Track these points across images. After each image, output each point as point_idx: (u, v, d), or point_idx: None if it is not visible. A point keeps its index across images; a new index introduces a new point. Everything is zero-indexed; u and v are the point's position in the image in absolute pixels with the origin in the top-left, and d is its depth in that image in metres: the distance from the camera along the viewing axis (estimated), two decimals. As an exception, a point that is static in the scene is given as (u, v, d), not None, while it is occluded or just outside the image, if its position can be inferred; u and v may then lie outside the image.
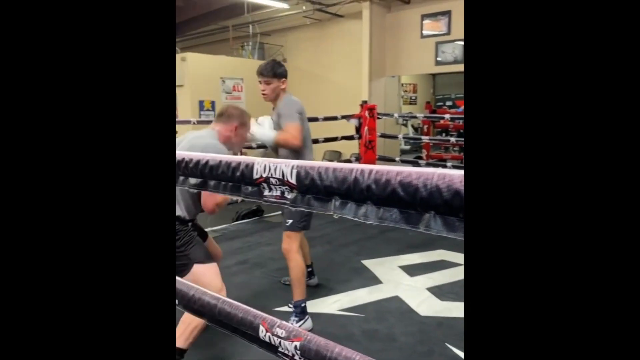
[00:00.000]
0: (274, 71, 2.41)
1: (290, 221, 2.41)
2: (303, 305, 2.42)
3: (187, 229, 2.01)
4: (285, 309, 2.63)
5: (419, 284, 3.10)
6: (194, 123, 4.68)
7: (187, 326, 1.86)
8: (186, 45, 9.20)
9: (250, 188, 0.63)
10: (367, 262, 3.54)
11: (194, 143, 1.98)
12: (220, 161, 0.66)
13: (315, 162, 0.56)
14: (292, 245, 2.40)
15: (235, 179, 0.64)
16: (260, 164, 0.61)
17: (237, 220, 4.96)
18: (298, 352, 0.64)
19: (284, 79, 2.46)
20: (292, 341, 0.64)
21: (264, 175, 0.59)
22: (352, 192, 0.50)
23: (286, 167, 0.57)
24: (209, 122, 3.06)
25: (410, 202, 0.45)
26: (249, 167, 0.62)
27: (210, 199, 1.93)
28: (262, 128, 2.37)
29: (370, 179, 0.48)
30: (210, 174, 0.68)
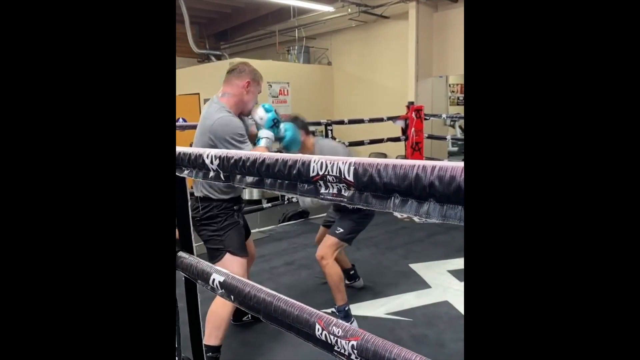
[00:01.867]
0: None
1: (342, 230, 2.39)
2: (346, 309, 2.42)
3: (230, 213, 1.99)
4: (329, 312, 2.63)
5: (470, 290, 3.01)
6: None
7: (212, 325, 1.87)
8: (235, 51, 9.46)
9: (306, 186, 0.63)
10: (414, 266, 3.47)
11: (205, 124, 1.91)
12: (277, 159, 0.67)
13: (374, 159, 0.55)
14: (329, 254, 2.38)
15: (291, 176, 0.65)
16: (317, 162, 0.61)
17: (283, 221, 5.02)
18: (355, 351, 0.63)
19: (302, 131, 2.31)
20: (349, 340, 0.64)
21: (321, 173, 0.59)
22: (414, 189, 0.49)
23: (343, 164, 0.56)
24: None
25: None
26: (306, 165, 0.62)
27: None
28: None
29: (433, 176, 0.47)
30: (267, 172, 0.69)
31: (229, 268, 1.87)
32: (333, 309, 2.50)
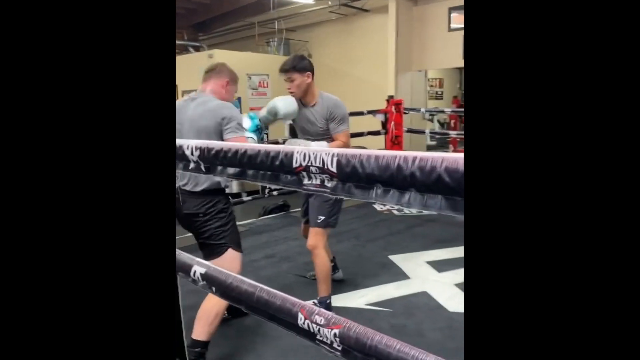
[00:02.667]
0: (295, 65, 2.31)
1: (322, 218, 2.40)
2: (328, 301, 2.44)
3: (229, 205, 2.01)
4: (311, 303, 2.65)
5: (447, 280, 3.07)
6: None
7: (205, 320, 1.87)
8: (213, 42, 9.33)
9: (289, 177, 0.63)
10: (394, 258, 3.52)
11: (204, 110, 1.91)
12: (259, 150, 0.67)
13: (357, 150, 0.56)
14: (319, 242, 2.40)
15: (274, 167, 0.65)
16: (300, 153, 0.61)
17: (264, 215, 5.01)
18: (337, 339, 0.64)
19: (308, 73, 2.35)
20: (332, 329, 0.65)
21: (304, 164, 0.60)
22: (395, 179, 0.50)
23: (326, 155, 0.57)
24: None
25: (456, 188, 0.45)
26: (289, 156, 0.62)
27: None
28: (319, 145, 2.35)
29: (414, 166, 0.48)
30: (249, 164, 0.69)
31: (230, 264, 1.88)
32: (315, 301, 2.52)
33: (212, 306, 1.90)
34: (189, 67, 6.14)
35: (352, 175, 0.54)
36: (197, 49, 7.90)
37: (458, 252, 3.62)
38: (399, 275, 3.17)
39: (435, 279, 3.12)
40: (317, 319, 0.68)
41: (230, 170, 0.74)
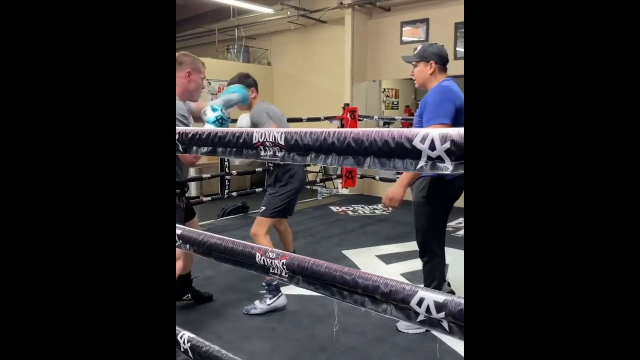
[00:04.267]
0: (243, 84, 2.55)
1: (263, 208, 2.66)
2: (275, 282, 2.63)
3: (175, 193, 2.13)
4: (262, 284, 2.85)
5: (394, 270, 3.36)
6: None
7: None
8: (172, 47, 9.33)
9: (250, 151, 0.86)
10: (347, 252, 3.79)
11: None
12: (227, 132, 0.90)
13: (298, 129, 0.79)
14: (259, 231, 2.62)
15: (238, 144, 0.88)
16: (258, 132, 0.84)
17: (223, 216, 5.15)
18: (284, 267, 0.88)
19: (252, 88, 2.62)
20: (281, 259, 0.88)
21: (260, 140, 0.83)
22: (322, 147, 0.73)
23: (277, 133, 0.80)
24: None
25: (359, 150, 0.69)
26: (249, 135, 0.85)
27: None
28: (244, 118, 2.56)
29: (334, 138, 0.72)
30: (219, 143, 0.91)
31: None
32: (263, 283, 2.73)
33: None
34: (149, 71, 6.18)
35: (294, 147, 0.78)
36: (156, 53, 7.91)
37: (405, 247, 3.94)
38: (351, 267, 3.42)
39: (384, 270, 3.41)
40: (270, 254, 0.90)
41: (204, 149, 0.95)
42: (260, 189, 5.29)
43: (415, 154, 0.62)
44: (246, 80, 2.60)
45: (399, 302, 0.72)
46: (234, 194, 5.18)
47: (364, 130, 0.69)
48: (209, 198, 5.12)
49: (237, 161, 2.77)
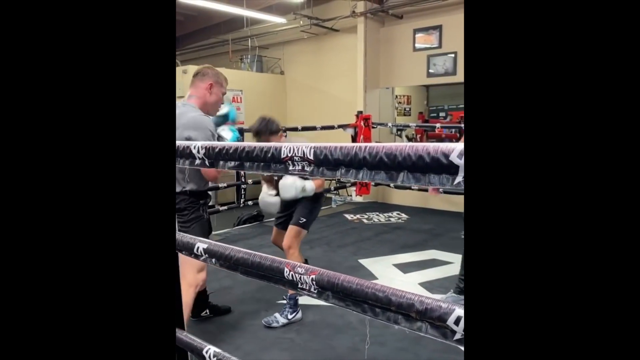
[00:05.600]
0: (270, 129, 2.57)
1: (304, 220, 2.62)
2: (297, 298, 2.65)
3: (196, 207, 2.16)
4: (283, 298, 2.84)
5: (412, 280, 3.33)
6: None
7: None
8: (187, 58, 9.47)
9: (278, 165, 0.86)
10: (363, 261, 3.76)
11: (178, 124, 2.03)
12: (255, 147, 0.90)
13: (327, 143, 0.79)
14: (294, 243, 2.60)
15: (266, 159, 0.87)
16: (286, 147, 0.84)
17: (238, 225, 5.17)
18: (314, 282, 0.87)
19: (280, 133, 2.65)
20: (310, 275, 0.87)
21: (289, 155, 0.83)
22: (353, 162, 0.73)
23: (306, 147, 0.80)
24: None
25: (392, 165, 0.68)
26: (278, 150, 0.85)
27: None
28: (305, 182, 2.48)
29: (365, 152, 0.71)
30: (246, 157, 0.91)
31: (190, 260, 2.04)
32: (284, 296, 2.72)
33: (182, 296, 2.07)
34: (164, 82, 6.26)
35: (324, 161, 0.77)
36: (171, 64, 8.02)
37: (422, 255, 3.90)
38: (368, 276, 3.40)
39: (401, 279, 3.38)
40: (299, 269, 0.90)
41: (231, 163, 0.95)
42: (275, 198, 5.29)
43: (452, 169, 0.61)
44: (273, 126, 2.59)
45: (435, 320, 0.70)
46: (250, 202, 5.20)
47: (397, 145, 0.68)
48: (225, 207, 5.14)
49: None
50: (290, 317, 2.62)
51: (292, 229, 2.63)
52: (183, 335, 1.36)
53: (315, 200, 2.69)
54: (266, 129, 2.58)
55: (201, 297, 2.59)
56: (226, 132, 2.28)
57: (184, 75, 6.90)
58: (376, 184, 6.19)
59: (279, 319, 2.61)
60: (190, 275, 2.08)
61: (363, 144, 0.72)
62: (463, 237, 0.71)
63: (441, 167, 0.63)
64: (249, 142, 0.94)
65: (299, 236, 2.63)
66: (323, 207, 6.06)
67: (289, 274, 0.91)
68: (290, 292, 2.63)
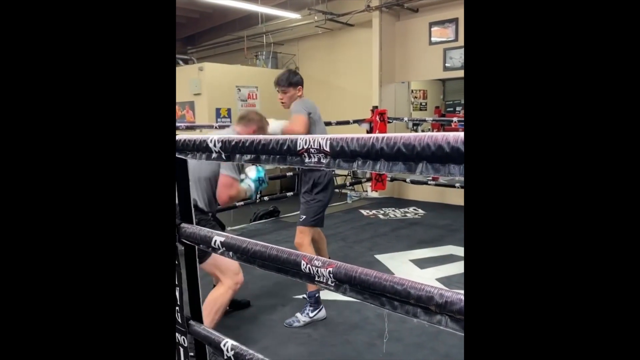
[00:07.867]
0: (289, 80, 2.66)
1: (304, 217, 2.61)
2: (317, 295, 2.61)
3: (208, 218, 2.24)
4: (302, 297, 2.84)
5: (429, 275, 3.30)
6: (215, 127, 4.99)
7: (210, 309, 2.06)
8: (203, 55, 9.54)
9: (294, 158, 0.85)
10: (380, 257, 3.74)
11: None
12: (270, 140, 0.89)
13: (344, 135, 0.78)
14: (303, 240, 2.60)
15: (282, 152, 0.87)
16: (302, 139, 0.83)
17: (255, 220, 5.20)
18: (331, 275, 0.86)
19: (299, 87, 2.69)
20: (327, 268, 0.86)
21: (305, 147, 0.82)
22: (370, 153, 0.72)
23: (322, 139, 0.79)
24: (227, 127, 3.34)
25: (411, 156, 0.67)
26: (293, 142, 0.84)
27: (224, 191, 2.15)
28: (273, 122, 2.63)
29: (382, 143, 0.70)
30: (262, 150, 0.91)
31: (220, 260, 2.08)
32: (304, 295, 2.71)
33: (217, 297, 2.10)
34: (180, 80, 6.33)
35: (340, 153, 0.76)
36: (186, 61, 8.11)
37: (439, 251, 3.86)
38: (384, 272, 3.37)
39: (418, 274, 3.35)
40: (316, 262, 0.89)
41: (247, 156, 0.95)
42: (291, 193, 5.30)
43: (474, 159, 0.60)
44: (293, 79, 2.68)
45: (455, 313, 0.69)
46: (266, 198, 5.22)
47: (415, 135, 0.67)
48: (242, 203, 5.17)
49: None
50: (312, 315, 2.60)
51: (297, 229, 2.65)
52: (201, 328, 1.37)
53: (319, 193, 2.65)
54: (287, 81, 2.65)
55: None
56: (252, 172, 2.41)
57: (200, 72, 6.97)
58: (392, 179, 6.15)
59: (300, 318, 2.59)
60: (229, 280, 2.15)
61: (380, 135, 0.71)
62: None
63: (462, 156, 0.61)
64: (266, 136, 0.94)
65: (304, 234, 2.62)
66: (338, 203, 6.05)
67: (305, 267, 0.91)
68: (310, 289, 2.62)
